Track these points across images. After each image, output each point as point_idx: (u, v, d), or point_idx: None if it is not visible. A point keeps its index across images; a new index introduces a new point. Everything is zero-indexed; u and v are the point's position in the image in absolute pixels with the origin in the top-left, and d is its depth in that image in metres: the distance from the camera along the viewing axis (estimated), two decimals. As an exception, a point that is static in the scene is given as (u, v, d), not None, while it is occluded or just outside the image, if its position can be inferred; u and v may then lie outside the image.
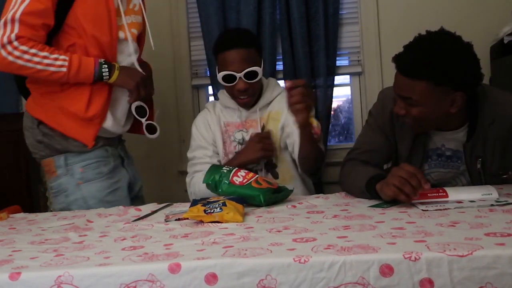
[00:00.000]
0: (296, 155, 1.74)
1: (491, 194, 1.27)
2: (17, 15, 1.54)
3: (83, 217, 1.41)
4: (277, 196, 1.44)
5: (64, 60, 1.60)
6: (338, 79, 2.64)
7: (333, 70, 2.56)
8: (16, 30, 1.55)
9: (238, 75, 1.70)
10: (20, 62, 1.56)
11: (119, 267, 0.86)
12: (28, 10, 1.55)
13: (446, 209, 1.16)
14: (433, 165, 1.56)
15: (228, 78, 1.73)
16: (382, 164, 1.63)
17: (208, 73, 2.63)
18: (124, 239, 1.08)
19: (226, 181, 1.44)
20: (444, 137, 1.51)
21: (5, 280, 0.85)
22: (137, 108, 1.77)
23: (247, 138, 1.83)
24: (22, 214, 1.57)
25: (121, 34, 1.72)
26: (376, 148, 1.58)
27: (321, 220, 1.15)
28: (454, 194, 1.29)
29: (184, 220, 1.23)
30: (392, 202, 1.26)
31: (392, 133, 1.57)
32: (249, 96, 1.77)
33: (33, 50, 1.57)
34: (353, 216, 1.16)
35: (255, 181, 1.42)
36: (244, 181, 1.43)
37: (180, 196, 1.88)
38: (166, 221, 1.25)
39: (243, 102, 1.80)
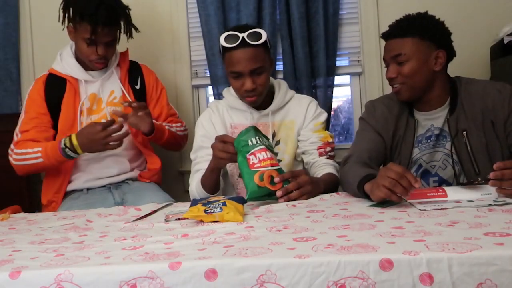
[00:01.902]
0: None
1: (490, 194, 1.27)
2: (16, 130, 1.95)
3: (83, 217, 1.42)
4: (264, 198, 1.42)
5: (38, 151, 1.88)
6: (338, 79, 2.64)
7: (333, 70, 2.56)
8: (15, 139, 1.94)
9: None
10: (19, 163, 1.92)
11: (119, 265, 0.87)
12: (22, 129, 1.94)
13: (444, 208, 1.16)
14: (423, 148, 1.65)
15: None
16: (379, 161, 1.65)
17: (208, 73, 2.63)
18: (124, 239, 1.08)
19: (244, 154, 1.42)
20: (432, 117, 1.63)
21: (6, 279, 0.85)
22: None
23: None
24: (22, 214, 1.57)
25: None
26: (371, 146, 1.62)
27: (321, 219, 1.15)
28: (453, 194, 1.29)
29: (184, 220, 1.23)
30: (385, 202, 1.26)
31: (385, 128, 1.65)
32: (256, 95, 1.74)
33: (23, 150, 1.90)
34: (352, 215, 1.16)
35: (260, 174, 1.40)
36: (255, 166, 1.41)
37: (180, 196, 1.88)
38: (166, 221, 1.26)
39: (250, 101, 1.76)
